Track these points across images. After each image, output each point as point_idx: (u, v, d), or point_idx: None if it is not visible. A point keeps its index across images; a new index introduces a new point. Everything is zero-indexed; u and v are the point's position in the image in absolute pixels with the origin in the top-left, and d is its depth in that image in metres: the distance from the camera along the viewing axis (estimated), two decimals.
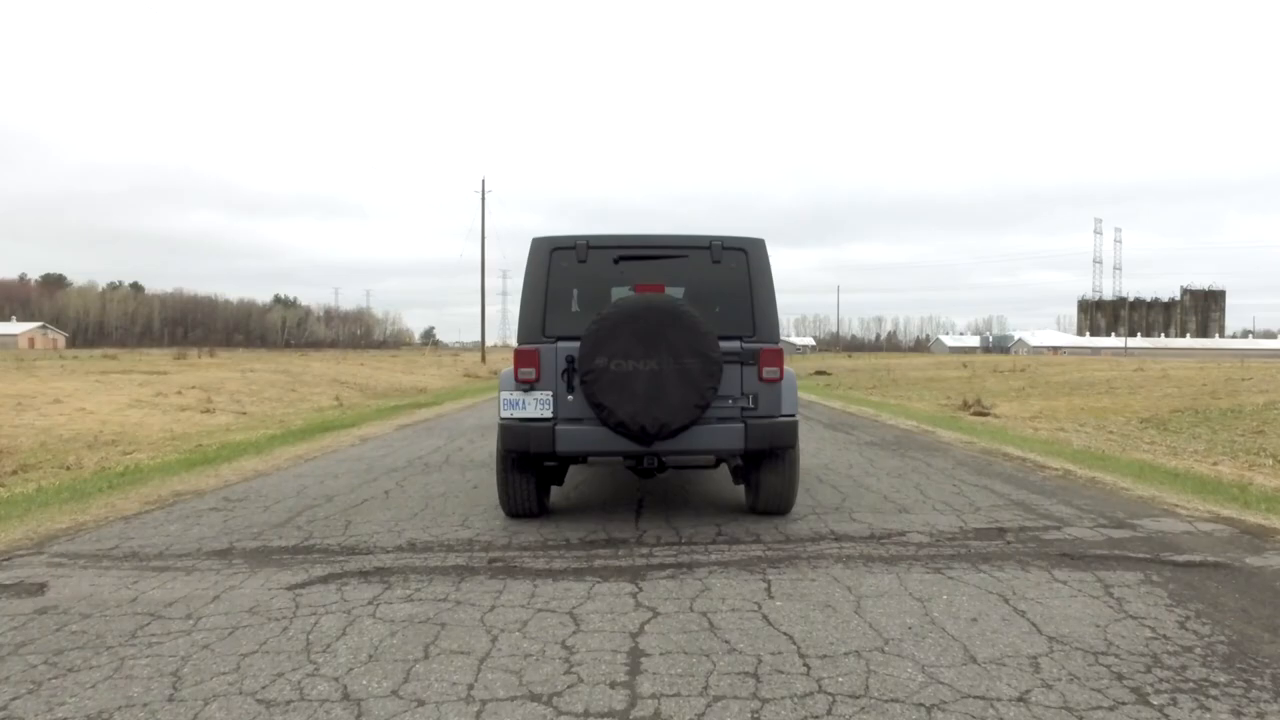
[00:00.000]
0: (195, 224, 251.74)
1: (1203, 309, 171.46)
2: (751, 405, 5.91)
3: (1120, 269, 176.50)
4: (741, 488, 6.98)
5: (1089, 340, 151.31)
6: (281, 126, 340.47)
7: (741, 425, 5.83)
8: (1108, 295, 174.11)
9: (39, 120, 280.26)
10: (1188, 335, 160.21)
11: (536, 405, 5.84)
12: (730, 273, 6.14)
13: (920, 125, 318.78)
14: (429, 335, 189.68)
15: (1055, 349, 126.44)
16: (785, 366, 6.03)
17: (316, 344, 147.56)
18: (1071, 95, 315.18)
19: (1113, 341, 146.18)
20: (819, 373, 37.85)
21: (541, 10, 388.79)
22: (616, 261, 6.15)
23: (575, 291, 6.26)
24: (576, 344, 5.72)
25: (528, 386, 5.85)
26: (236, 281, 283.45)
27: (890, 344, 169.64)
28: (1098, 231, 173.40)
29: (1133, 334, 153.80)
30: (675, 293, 6.05)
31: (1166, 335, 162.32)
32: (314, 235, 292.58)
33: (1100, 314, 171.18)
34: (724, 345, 5.75)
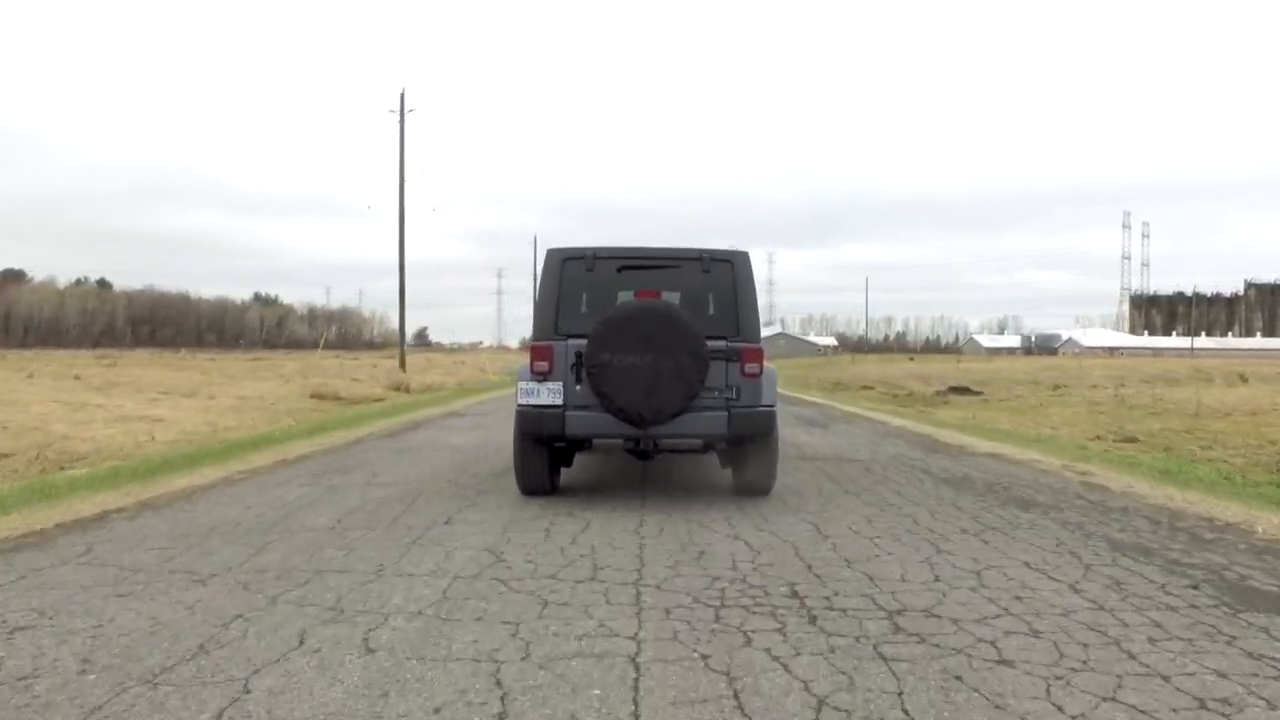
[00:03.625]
0: (194, 225, 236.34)
1: (1269, 305, 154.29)
2: (735, 396, 6.40)
3: (1148, 265, 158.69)
4: (729, 471, 7.27)
5: (1148, 340, 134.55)
6: (284, 127, 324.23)
7: (726, 414, 6.36)
8: (1132, 293, 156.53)
9: (38, 120, 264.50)
10: (1257, 334, 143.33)
11: (549, 394, 6.34)
12: (718, 281, 6.72)
13: (920, 125, 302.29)
14: (422, 335, 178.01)
15: (1112, 350, 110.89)
16: (766, 363, 6.59)
17: (298, 344, 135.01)
18: (1071, 95, 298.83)
19: (1175, 342, 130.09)
20: (957, 389, 21.48)
21: (542, 11, 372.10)
22: (620, 270, 6.82)
23: (584, 295, 6.72)
24: (584, 341, 6.25)
25: (542, 377, 6.38)
26: (235, 281, 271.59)
27: (900, 344, 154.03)
28: (1126, 225, 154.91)
29: (1194, 333, 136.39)
30: (671, 298, 6.82)
31: (1231, 334, 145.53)
32: (313, 235, 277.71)
33: (1156, 311, 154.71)
34: (711, 344, 6.27)
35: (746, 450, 6.69)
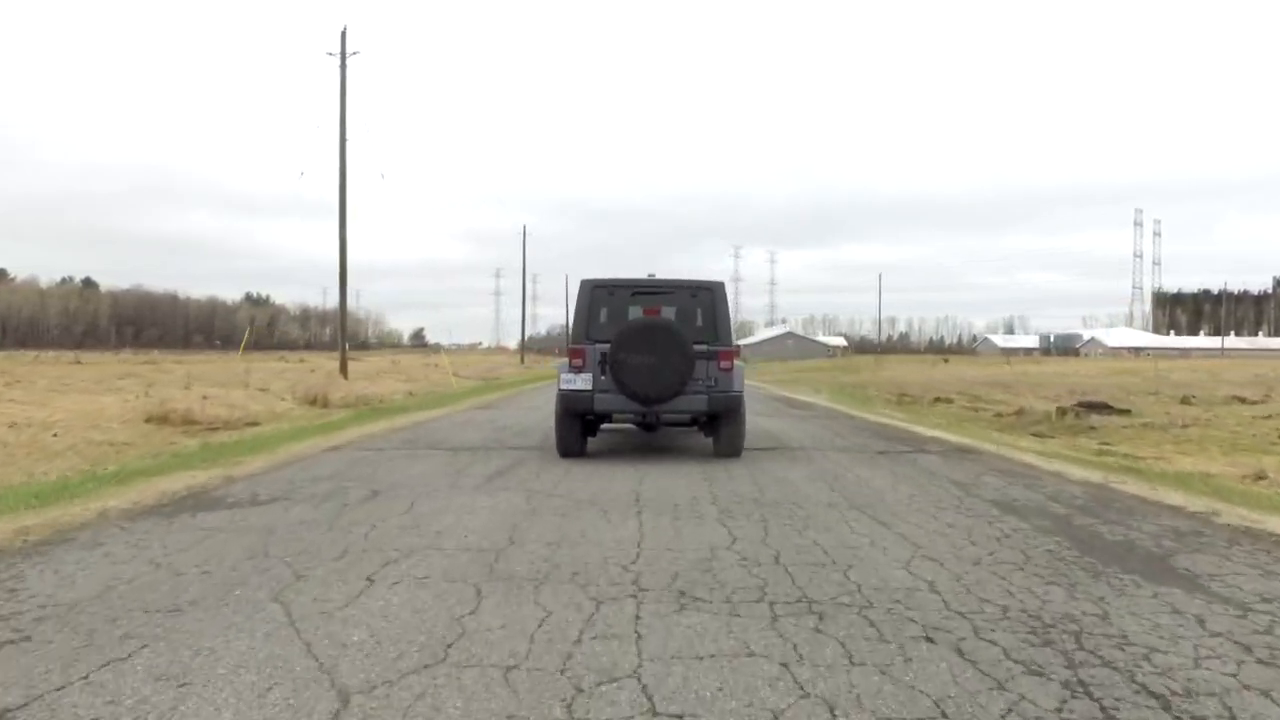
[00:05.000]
0: (193, 225, 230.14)
1: None
2: (714, 384, 9.28)
3: (1159, 264, 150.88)
4: (710, 440, 10.13)
5: (1174, 340, 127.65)
6: (288, 128, 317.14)
7: (706, 396, 9.26)
8: (1155, 291, 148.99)
9: (37, 121, 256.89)
10: None
11: (582, 381, 9.23)
12: (702, 302, 9.88)
13: (920, 125, 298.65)
14: (419, 336, 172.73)
15: (1137, 350, 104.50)
16: (736, 361, 9.63)
17: (290, 345, 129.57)
18: (1072, 95, 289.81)
19: (1203, 341, 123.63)
20: (1090, 406, 15.16)
21: (542, 12, 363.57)
22: (632, 295, 10.00)
23: (606, 312, 9.78)
24: (606, 345, 9.14)
25: (577, 370, 9.26)
26: (233, 282, 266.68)
27: (904, 345, 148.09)
28: (1138, 223, 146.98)
29: (1220, 333, 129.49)
30: (668, 314, 9.94)
31: (1261, 333, 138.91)
32: (312, 237, 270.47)
33: (1180, 309, 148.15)
34: (696, 348, 9.09)
35: (721, 423, 9.58)
